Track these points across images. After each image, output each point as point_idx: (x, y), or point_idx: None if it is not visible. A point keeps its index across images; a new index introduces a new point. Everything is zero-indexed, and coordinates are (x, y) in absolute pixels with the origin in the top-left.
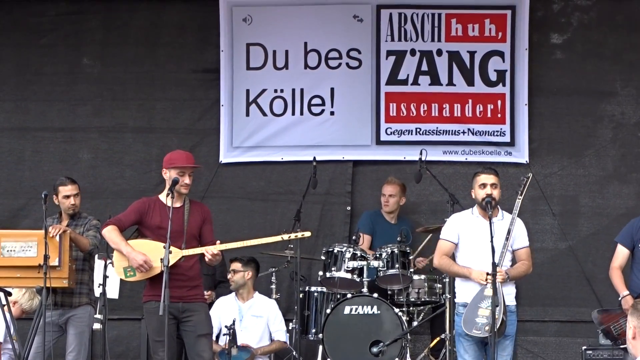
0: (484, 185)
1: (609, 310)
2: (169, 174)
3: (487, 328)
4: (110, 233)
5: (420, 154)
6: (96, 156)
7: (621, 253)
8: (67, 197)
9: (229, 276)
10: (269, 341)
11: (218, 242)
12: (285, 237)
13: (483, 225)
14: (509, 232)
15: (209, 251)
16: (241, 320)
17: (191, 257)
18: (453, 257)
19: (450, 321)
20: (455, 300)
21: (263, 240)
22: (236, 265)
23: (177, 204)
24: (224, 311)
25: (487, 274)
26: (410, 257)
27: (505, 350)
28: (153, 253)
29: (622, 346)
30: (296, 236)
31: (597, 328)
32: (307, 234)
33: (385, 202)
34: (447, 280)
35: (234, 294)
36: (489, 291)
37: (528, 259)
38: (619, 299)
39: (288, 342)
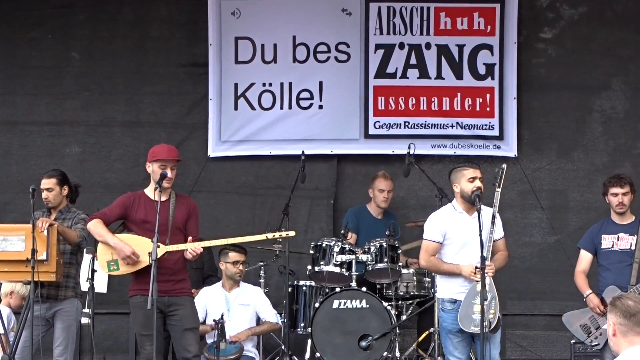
0: (473, 179)
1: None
2: (152, 168)
3: (485, 324)
4: (96, 226)
5: (409, 147)
6: (84, 150)
7: (584, 258)
8: (42, 190)
9: (239, 268)
10: None
11: (190, 239)
12: (270, 235)
13: (467, 221)
14: (493, 225)
15: (190, 248)
16: (229, 310)
17: (176, 251)
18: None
19: (439, 315)
20: (438, 295)
21: (248, 238)
22: (241, 257)
23: (163, 198)
24: (210, 301)
25: (476, 267)
26: (400, 252)
27: (496, 338)
28: (139, 248)
29: (594, 343)
30: (280, 235)
31: (571, 329)
32: (292, 233)
33: (385, 198)
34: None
35: (219, 283)
36: (479, 285)
37: (505, 249)
38: (584, 299)
39: (280, 322)
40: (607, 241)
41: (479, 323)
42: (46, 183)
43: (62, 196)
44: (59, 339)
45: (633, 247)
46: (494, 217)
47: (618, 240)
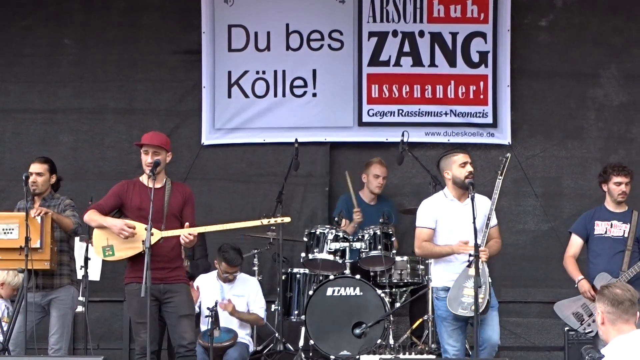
0: (464, 164)
1: (569, 298)
2: (142, 154)
3: (473, 307)
4: (91, 216)
5: (402, 135)
6: (77, 138)
7: (575, 243)
8: (31, 174)
9: (228, 278)
10: None
11: (187, 224)
12: (265, 221)
13: (459, 208)
14: (490, 211)
15: (185, 233)
16: (223, 300)
17: (172, 239)
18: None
19: (433, 303)
20: (432, 284)
21: (243, 224)
22: (230, 269)
23: (158, 185)
24: (205, 290)
25: (466, 242)
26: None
27: (493, 320)
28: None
29: (587, 330)
30: (276, 221)
31: (563, 317)
32: (287, 219)
33: (379, 184)
34: (430, 261)
35: (215, 272)
36: (472, 271)
37: (499, 236)
38: (575, 285)
39: (265, 320)
40: (600, 227)
41: (467, 306)
42: (38, 167)
43: (49, 184)
44: (54, 327)
45: (626, 235)
46: (492, 205)
47: (611, 227)
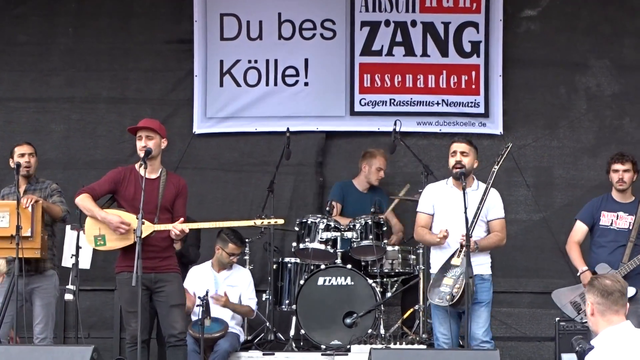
0: (454, 153)
1: (568, 286)
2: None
3: (448, 297)
4: (84, 201)
5: (395, 124)
6: (69, 127)
7: (580, 229)
8: (22, 155)
9: (233, 260)
10: None
11: (182, 220)
12: (258, 222)
13: (456, 196)
14: (481, 202)
15: (177, 228)
16: (216, 291)
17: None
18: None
19: (424, 292)
20: (431, 271)
21: (236, 223)
22: (239, 250)
23: (154, 175)
24: (199, 281)
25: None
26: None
27: (480, 317)
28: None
29: (584, 320)
30: (269, 222)
31: (560, 306)
32: (281, 221)
33: (381, 177)
34: (421, 251)
35: (209, 263)
36: (456, 260)
37: (502, 230)
38: (578, 274)
39: (256, 311)
40: (606, 218)
41: (443, 296)
42: (27, 149)
43: (35, 167)
44: (39, 316)
45: (631, 227)
46: (485, 194)
47: (617, 218)
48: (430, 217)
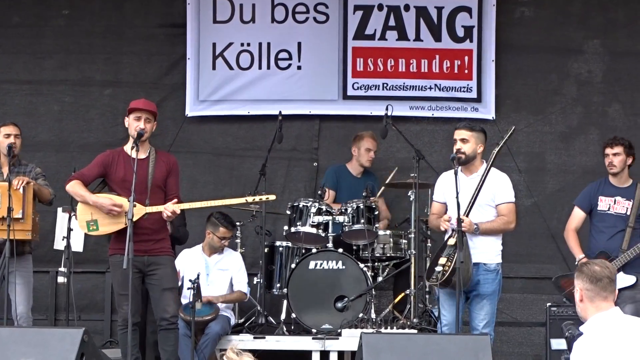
0: (455, 141)
1: (567, 275)
2: (128, 121)
3: (439, 276)
4: (74, 187)
5: (387, 109)
6: (62, 109)
7: (577, 215)
8: (8, 135)
9: (224, 243)
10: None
11: (175, 200)
12: (250, 199)
13: (464, 181)
14: (479, 184)
15: (169, 209)
16: (207, 275)
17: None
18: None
19: (415, 277)
20: None
21: (227, 201)
22: (230, 234)
23: (142, 155)
24: (189, 264)
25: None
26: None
27: (481, 310)
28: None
29: None
30: (260, 199)
31: (559, 294)
32: (272, 197)
33: (371, 158)
34: (412, 235)
35: (200, 247)
36: (451, 240)
37: (508, 214)
38: (576, 262)
39: (248, 295)
40: (604, 203)
41: (436, 275)
42: (13, 129)
43: (19, 148)
44: (20, 295)
45: (629, 212)
46: (483, 177)
47: (615, 203)
48: (443, 206)
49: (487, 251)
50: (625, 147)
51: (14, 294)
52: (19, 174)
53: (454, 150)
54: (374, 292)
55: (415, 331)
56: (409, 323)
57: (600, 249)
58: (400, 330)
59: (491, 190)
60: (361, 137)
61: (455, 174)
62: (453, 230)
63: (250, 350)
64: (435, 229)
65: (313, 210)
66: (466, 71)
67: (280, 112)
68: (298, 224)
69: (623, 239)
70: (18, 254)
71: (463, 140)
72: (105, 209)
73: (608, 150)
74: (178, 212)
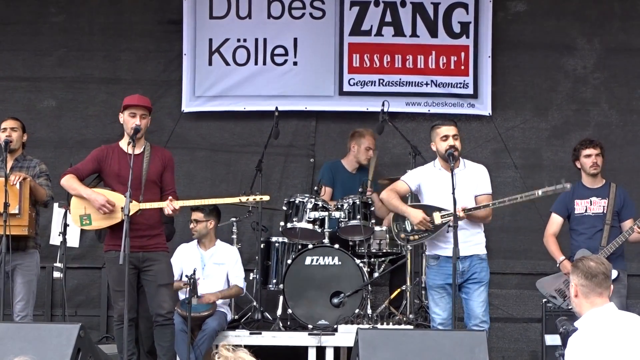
0: (446, 137)
1: (551, 275)
2: (123, 117)
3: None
4: (68, 181)
5: (383, 105)
6: (61, 106)
7: (555, 221)
8: (4, 129)
9: (191, 226)
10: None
11: (170, 198)
12: (244, 199)
13: (445, 177)
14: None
15: (170, 207)
16: (203, 269)
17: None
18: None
19: (411, 273)
20: (426, 252)
21: (221, 200)
22: (198, 215)
23: (137, 151)
24: (185, 259)
25: (424, 218)
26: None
27: (481, 297)
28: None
29: (570, 306)
30: (254, 199)
31: (546, 295)
32: (266, 197)
33: (369, 156)
34: None
35: (195, 241)
36: (437, 219)
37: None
38: (557, 265)
39: (245, 289)
40: (580, 206)
41: (406, 237)
42: (11, 123)
43: (21, 142)
44: (20, 294)
45: (605, 211)
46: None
47: (591, 204)
48: (408, 190)
49: (478, 243)
50: (601, 147)
51: (14, 291)
52: (22, 169)
53: (447, 146)
54: (370, 288)
55: (412, 327)
56: (405, 319)
57: (580, 248)
58: (397, 326)
59: (473, 181)
60: (362, 135)
61: (452, 170)
62: (449, 226)
63: (246, 346)
64: (387, 204)
65: (309, 206)
66: (462, 67)
67: (276, 108)
68: (294, 219)
69: (602, 237)
70: (21, 250)
71: (454, 137)
72: (97, 204)
73: (590, 151)
74: (178, 208)
